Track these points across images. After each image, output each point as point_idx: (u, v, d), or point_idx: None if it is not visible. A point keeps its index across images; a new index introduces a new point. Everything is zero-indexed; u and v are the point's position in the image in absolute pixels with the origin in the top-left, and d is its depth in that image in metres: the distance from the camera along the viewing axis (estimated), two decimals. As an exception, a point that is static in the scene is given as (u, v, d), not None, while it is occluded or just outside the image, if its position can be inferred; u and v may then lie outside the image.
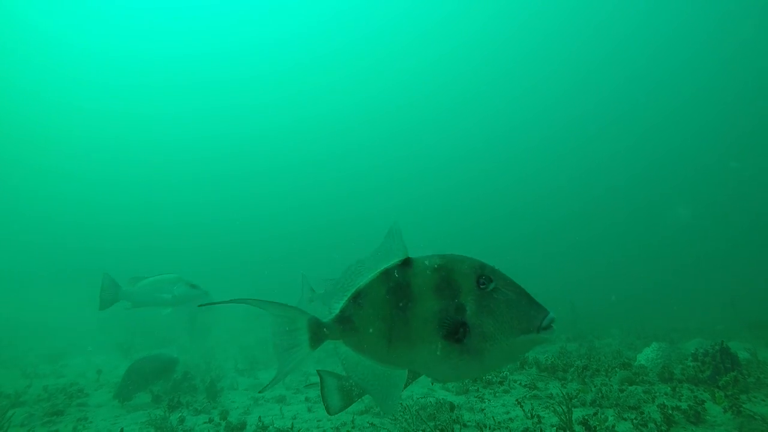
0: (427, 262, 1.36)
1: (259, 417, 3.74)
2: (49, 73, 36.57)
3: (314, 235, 32.09)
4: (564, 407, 2.98)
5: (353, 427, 3.48)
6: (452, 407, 3.58)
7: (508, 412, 3.50)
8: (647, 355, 4.80)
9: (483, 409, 3.65)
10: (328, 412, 2.41)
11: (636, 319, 9.48)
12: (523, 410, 3.40)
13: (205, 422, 3.82)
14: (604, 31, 32.10)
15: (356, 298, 1.41)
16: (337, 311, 1.43)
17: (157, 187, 37.05)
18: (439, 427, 3.15)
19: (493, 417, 3.39)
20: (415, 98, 39.58)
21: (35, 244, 28.52)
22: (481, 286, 1.29)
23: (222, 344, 8.48)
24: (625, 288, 16.05)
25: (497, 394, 4.04)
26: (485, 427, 3.17)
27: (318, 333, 1.42)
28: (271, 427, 3.55)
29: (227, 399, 4.63)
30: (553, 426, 3.04)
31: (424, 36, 36.78)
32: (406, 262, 1.38)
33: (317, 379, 5.56)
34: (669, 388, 3.85)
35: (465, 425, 3.26)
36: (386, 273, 1.38)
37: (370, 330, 1.38)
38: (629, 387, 3.95)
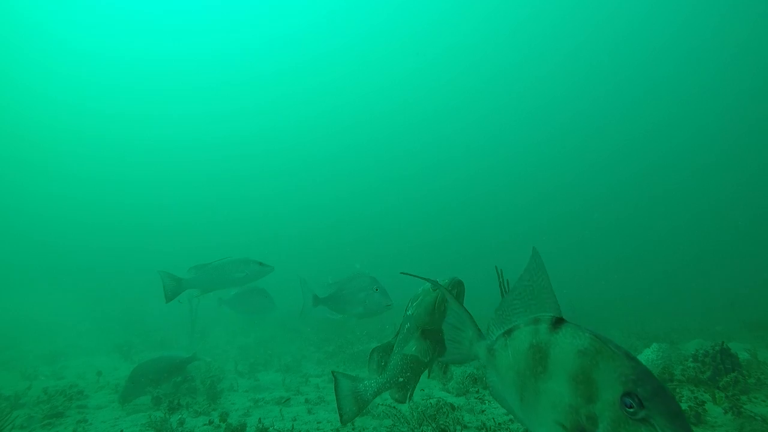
0: (576, 338, 1.09)
1: (259, 419, 3.74)
2: (49, 73, 36.62)
3: (314, 235, 32.10)
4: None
5: (353, 429, 3.48)
6: (453, 408, 3.58)
7: (508, 413, 3.50)
8: (647, 356, 4.79)
9: (483, 411, 3.64)
10: (342, 420, 2.27)
11: (636, 319, 9.47)
12: (524, 411, 3.39)
13: (205, 424, 3.82)
14: (604, 29, 32.12)
15: (506, 335, 1.30)
16: (493, 338, 1.36)
17: (157, 187, 37.09)
18: (441, 427, 3.14)
19: (493, 418, 3.39)
20: (415, 97, 39.63)
21: (35, 243, 28.52)
22: (627, 408, 0.93)
23: (222, 345, 8.48)
24: (625, 288, 16.05)
25: (497, 396, 4.03)
26: (486, 428, 3.17)
27: (475, 346, 1.44)
28: (271, 428, 3.55)
29: (227, 400, 4.63)
30: (553, 427, 3.04)
31: (424, 34, 36.81)
32: (556, 324, 1.17)
33: (315, 382, 5.54)
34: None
35: (466, 426, 3.26)
36: (534, 327, 1.21)
37: (507, 376, 1.27)
38: (629, 388, 3.94)
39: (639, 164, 34.40)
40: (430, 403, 3.75)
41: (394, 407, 3.72)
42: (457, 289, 2.12)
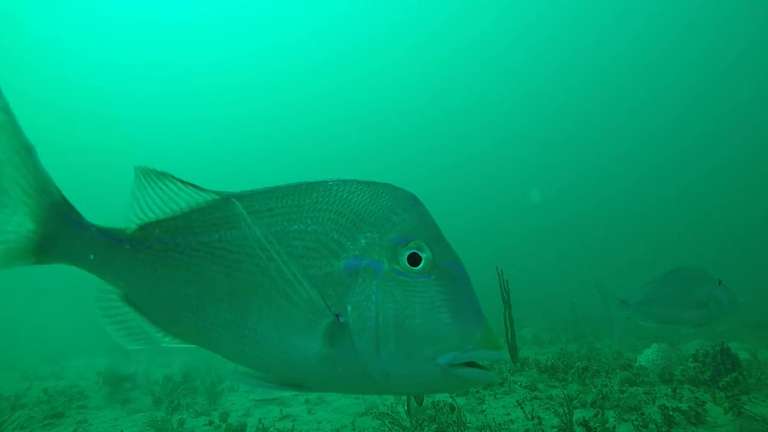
0: None
1: (260, 419, 3.74)
2: (48, 76, 36.61)
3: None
4: (565, 408, 2.98)
5: (353, 429, 3.48)
6: (452, 408, 3.58)
7: (508, 414, 3.50)
8: (647, 356, 4.80)
9: (483, 411, 3.64)
10: (411, 415, 2.65)
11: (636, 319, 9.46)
12: (524, 411, 3.40)
13: (205, 424, 3.82)
14: (609, 32, 32.15)
15: None
16: None
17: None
18: (441, 428, 3.14)
19: (493, 418, 3.39)
20: (420, 100, 39.66)
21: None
22: None
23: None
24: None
25: (497, 396, 4.04)
26: (486, 428, 3.17)
27: None
28: (271, 428, 3.55)
29: (227, 401, 4.63)
30: (553, 427, 3.04)
31: (430, 37, 36.86)
32: None
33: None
34: (669, 389, 3.85)
35: (466, 427, 3.26)
36: None
37: None
38: (630, 388, 3.95)
39: (641, 167, 34.43)
40: (430, 403, 3.75)
41: (389, 412, 3.73)
42: None
